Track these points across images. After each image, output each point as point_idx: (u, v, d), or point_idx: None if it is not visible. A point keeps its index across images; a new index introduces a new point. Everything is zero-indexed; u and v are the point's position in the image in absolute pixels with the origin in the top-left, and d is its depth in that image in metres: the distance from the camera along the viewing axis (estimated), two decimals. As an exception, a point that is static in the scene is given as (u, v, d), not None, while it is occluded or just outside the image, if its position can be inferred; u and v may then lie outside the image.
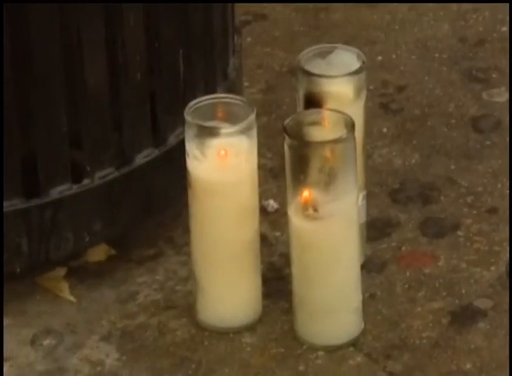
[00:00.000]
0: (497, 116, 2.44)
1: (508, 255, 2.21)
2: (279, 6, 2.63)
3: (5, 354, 2.11)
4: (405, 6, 2.63)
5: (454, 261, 2.22)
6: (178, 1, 2.15)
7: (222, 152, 2.06)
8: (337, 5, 2.62)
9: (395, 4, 2.62)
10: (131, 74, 2.14)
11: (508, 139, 2.38)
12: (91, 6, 2.06)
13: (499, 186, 2.32)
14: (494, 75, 2.49)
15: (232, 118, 2.07)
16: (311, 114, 2.07)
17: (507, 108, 2.45)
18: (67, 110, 2.10)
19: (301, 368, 2.07)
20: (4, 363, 2.10)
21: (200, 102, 2.09)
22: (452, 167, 2.36)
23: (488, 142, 2.39)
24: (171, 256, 2.25)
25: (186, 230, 2.14)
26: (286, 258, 2.12)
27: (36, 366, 2.09)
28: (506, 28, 2.56)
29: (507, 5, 2.57)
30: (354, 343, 2.10)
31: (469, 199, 2.31)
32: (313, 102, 2.10)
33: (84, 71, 2.09)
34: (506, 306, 2.14)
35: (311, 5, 2.62)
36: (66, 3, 2.03)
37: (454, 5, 2.61)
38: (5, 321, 2.15)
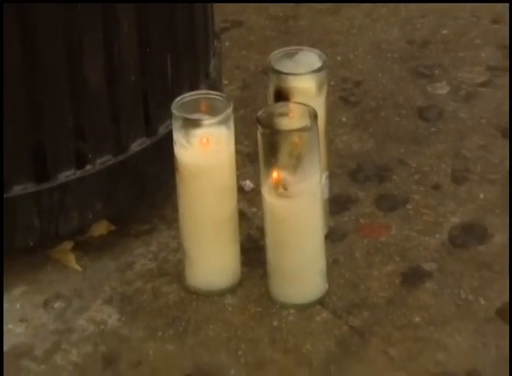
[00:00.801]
0: (440, 106, 2.44)
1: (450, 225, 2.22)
2: (253, 15, 2.64)
3: (22, 316, 2.11)
4: (362, 13, 2.63)
5: (405, 231, 2.22)
6: (166, 12, 2.13)
7: (204, 140, 2.05)
8: (304, 13, 2.63)
9: (354, 12, 2.62)
10: (126, 76, 2.13)
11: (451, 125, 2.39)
12: (91, 16, 2.03)
13: (443, 166, 2.32)
14: (437, 71, 2.49)
15: (212, 111, 2.07)
16: (281, 107, 2.07)
17: (449, 99, 2.45)
18: (72, 108, 2.10)
19: (276, 324, 2.06)
20: (20, 325, 2.09)
21: (185, 98, 2.08)
22: (403, 150, 2.36)
23: (433, 129, 2.39)
24: (163, 231, 2.24)
25: (175, 208, 2.13)
26: (262, 231, 2.11)
27: (48, 326, 2.09)
28: (447, 31, 2.57)
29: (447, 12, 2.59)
30: (320, 302, 2.09)
31: (417, 177, 2.31)
32: (282, 96, 2.08)
33: (86, 75, 2.07)
34: (450, 268, 2.14)
35: (281, 13, 2.64)
36: (69, 14, 2.01)
37: (403, 12, 2.63)
38: (21, 288, 2.15)
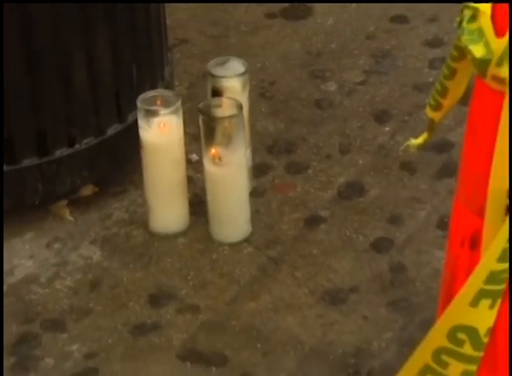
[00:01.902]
0: (330, 99, 2.42)
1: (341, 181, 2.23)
2: (196, 35, 2.60)
3: (30, 254, 2.09)
4: (273, 33, 2.61)
5: (306, 188, 2.21)
6: (132, 33, 2.11)
7: (161, 125, 2.04)
8: (233, 33, 2.61)
9: (267, 32, 2.61)
10: (103, 79, 2.10)
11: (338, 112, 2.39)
12: (76, 38, 2.02)
13: (333, 141, 2.31)
14: (327, 74, 2.47)
15: (166, 104, 2.06)
16: (216, 101, 2.08)
17: (336, 94, 2.43)
18: (65, 103, 2.07)
19: (214, 256, 2.07)
20: (29, 260, 2.08)
21: (147, 95, 2.08)
22: (304, 130, 2.34)
23: (325, 115, 2.38)
24: (132, 191, 2.21)
25: (141, 175, 2.11)
26: (204, 190, 2.11)
27: (49, 260, 2.08)
28: (334, 45, 2.55)
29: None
30: (246, 240, 2.10)
31: (314, 150, 2.29)
32: (217, 93, 2.09)
33: (74, 79, 2.05)
34: (338, 214, 2.14)
35: (216, 33, 2.61)
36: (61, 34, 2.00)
37: (303, 32, 2.60)
38: (30, 234, 2.13)
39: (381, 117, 2.36)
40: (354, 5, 2.66)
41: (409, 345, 1.82)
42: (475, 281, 1.35)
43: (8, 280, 2.03)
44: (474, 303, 1.36)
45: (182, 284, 2.01)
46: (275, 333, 1.91)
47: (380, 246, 2.07)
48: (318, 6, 2.67)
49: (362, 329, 1.91)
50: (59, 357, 1.89)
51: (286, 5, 2.69)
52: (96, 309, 1.97)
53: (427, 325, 1.53)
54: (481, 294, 1.35)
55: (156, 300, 1.99)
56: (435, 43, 2.53)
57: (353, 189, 2.20)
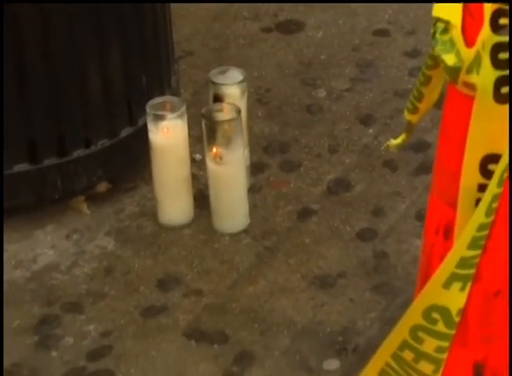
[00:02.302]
0: (320, 104, 2.41)
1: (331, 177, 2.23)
2: (200, 47, 2.59)
3: (51, 244, 2.08)
4: (269, 45, 2.60)
5: (298, 184, 2.21)
6: (143, 47, 2.12)
7: (167, 128, 2.04)
8: (232, 46, 2.60)
9: (263, 45, 2.60)
10: (117, 88, 2.10)
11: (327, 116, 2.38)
12: (90, 53, 2.02)
13: (322, 142, 2.30)
14: (318, 82, 2.47)
15: (173, 109, 2.06)
16: (217, 106, 2.07)
17: (326, 99, 2.42)
18: (82, 109, 2.07)
19: (216, 246, 2.07)
20: (51, 250, 2.07)
21: (156, 101, 2.07)
22: (297, 132, 2.33)
23: (315, 119, 2.37)
24: (143, 187, 2.20)
25: (151, 172, 2.11)
26: (207, 186, 2.11)
27: (69, 250, 2.08)
28: (324, 56, 2.55)
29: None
30: (245, 231, 2.09)
31: (306, 150, 2.29)
32: (218, 99, 2.09)
33: (91, 90, 2.06)
34: (327, 208, 2.14)
35: (217, 45, 2.60)
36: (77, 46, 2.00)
37: (295, 45, 2.59)
38: (51, 226, 2.12)
39: (366, 121, 2.36)
40: (341, 20, 2.66)
41: (390, 324, 1.76)
42: (448, 266, 1.36)
43: (32, 268, 2.03)
44: (447, 285, 1.36)
45: (187, 271, 2.01)
46: (271, 314, 1.92)
47: (364, 235, 2.08)
48: (309, 21, 2.66)
49: (348, 310, 1.92)
50: (77, 336, 1.90)
51: (281, 20, 2.67)
52: (110, 293, 1.98)
53: (407, 306, 1.51)
54: (453, 278, 1.36)
55: (164, 285, 1.99)
56: (414, 54, 2.53)
57: (340, 185, 2.20)
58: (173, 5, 2.32)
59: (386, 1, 2.66)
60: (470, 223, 1.34)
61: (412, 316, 1.40)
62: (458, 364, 1.43)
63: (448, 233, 1.41)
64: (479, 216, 1.33)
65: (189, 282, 1.99)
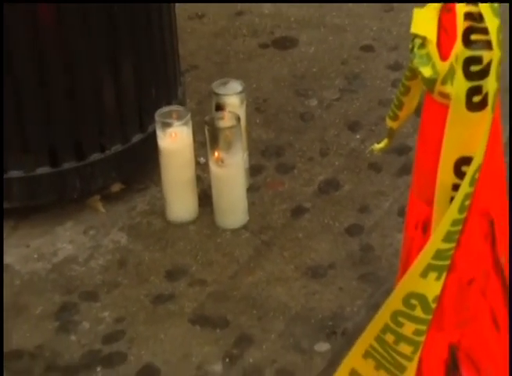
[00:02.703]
0: (312, 112, 2.40)
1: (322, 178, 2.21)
2: (203, 62, 2.59)
3: (70, 239, 2.08)
4: (266, 60, 2.60)
5: (292, 185, 2.20)
6: (153, 63, 2.11)
7: (174, 134, 2.04)
8: (233, 60, 2.59)
9: (261, 59, 2.59)
10: (128, 98, 2.09)
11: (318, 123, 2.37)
12: (101, 68, 2.02)
13: (314, 146, 2.29)
14: (310, 92, 2.46)
15: (179, 117, 2.05)
16: (219, 114, 2.07)
17: (317, 108, 2.41)
18: (99, 119, 2.07)
19: (218, 240, 2.06)
20: (69, 244, 2.07)
21: (163, 109, 2.07)
22: (291, 138, 2.33)
23: (308, 125, 2.37)
24: (152, 188, 2.19)
25: (159, 174, 2.10)
26: (210, 187, 2.10)
27: (86, 244, 2.07)
28: (315, 69, 2.54)
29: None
30: (244, 227, 2.08)
31: (299, 153, 2.28)
32: (219, 108, 2.08)
33: (106, 100, 2.05)
34: (318, 205, 2.13)
35: (219, 60, 2.59)
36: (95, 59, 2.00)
37: (289, 59, 2.59)
38: (70, 223, 2.11)
39: (353, 127, 2.35)
40: (331, 37, 2.65)
41: (375, 310, 1.75)
42: (424, 257, 1.36)
43: (52, 260, 2.03)
44: (424, 275, 1.36)
45: (192, 262, 2.01)
46: (268, 301, 1.92)
47: (352, 230, 2.07)
48: (302, 38, 2.66)
49: (337, 297, 1.91)
50: (93, 321, 1.90)
51: (277, 36, 2.67)
52: (123, 282, 1.98)
53: (390, 293, 1.51)
54: (429, 268, 1.36)
55: (171, 275, 1.99)
56: (396, 67, 2.52)
57: (330, 185, 2.19)
58: (179, 23, 2.32)
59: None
60: (444, 219, 1.34)
61: (393, 302, 1.40)
62: (435, 346, 1.43)
63: (426, 228, 1.41)
64: (453, 212, 1.33)
65: (194, 273, 1.99)
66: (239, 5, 2.78)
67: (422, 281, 1.36)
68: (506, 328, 1.42)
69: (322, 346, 1.82)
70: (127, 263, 2.02)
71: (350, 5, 2.75)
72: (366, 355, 1.46)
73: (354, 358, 1.48)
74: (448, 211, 1.34)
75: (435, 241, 1.35)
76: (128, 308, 1.92)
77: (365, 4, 2.75)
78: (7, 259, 2.03)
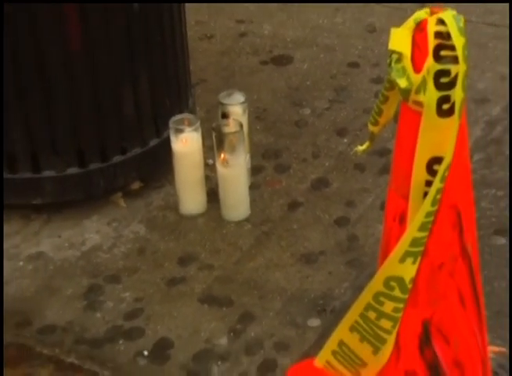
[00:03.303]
0: (305, 120, 2.39)
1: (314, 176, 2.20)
2: (211, 76, 2.58)
3: (96, 230, 2.07)
4: (265, 74, 2.58)
5: (289, 182, 2.19)
6: (168, 79, 2.10)
7: (185, 139, 2.03)
8: (237, 74, 2.58)
9: (261, 74, 2.58)
10: (145, 108, 2.08)
11: (311, 129, 2.36)
12: (120, 82, 2.01)
13: (307, 150, 2.28)
14: (304, 103, 2.45)
15: (190, 124, 2.04)
16: (224, 121, 2.06)
17: (310, 116, 2.40)
18: (120, 126, 2.05)
19: (224, 231, 2.06)
20: (96, 234, 2.06)
21: (176, 117, 2.06)
22: (288, 142, 2.32)
23: (302, 131, 2.35)
24: (167, 186, 2.18)
25: (173, 174, 2.09)
26: (217, 185, 2.08)
27: (110, 234, 2.07)
28: (309, 82, 2.53)
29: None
30: (246, 219, 2.08)
31: (294, 156, 2.27)
32: (225, 116, 2.08)
33: (126, 110, 2.03)
34: (311, 200, 2.12)
35: (225, 74, 2.58)
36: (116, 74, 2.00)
37: (285, 74, 2.57)
38: (96, 216, 2.10)
39: (341, 132, 2.34)
40: (322, 55, 2.64)
41: (360, 291, 1.73)
42: (403, 245, 1.35)
43: (81, 248, 2.03)
44: (402, 260, 1.35)
45: (201, 250, 2.00)
46: (267, 283, 1.91)
47: (340, 222, 2.06)
48: (297, 56, 2.64)
49: (327, 280, 1.91)
50: (116, 301, 1.89)
51: (275, 54, 2.65)
52: (142, 267, 1.97)
53: (372, 277, 1.49)
54: (407, 254, 1.35)
55: (183, 261, 1.98)
56: (378, 81, 2.51)
57: (321, 183, 2.19)
58: (191, 43, 2.31)
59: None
60: (420, 211, 1.33)
61: (375, 285, 1.39)
62: (410, 321, 1.42)
63: (402, 219, 1.40)
64: (427, 205, 1.32)
65: (202, 259, 1.98)
66: (243, 28, 2.78)
67: (400, 266, 1.35)
68: (471, 306, 1.42)
69: (314, 322, 1.82)
70: (145, 251, 2.01)
71: (339, 27, 2.75)
72: (352, 329, 1.45)
73: (341, 331, 1.47)
74: (423, 205, 1.33)
75: (411, 230, 1.34)
76: (146, 289, 1.92)
77: (352, 26, 2.74)
78: (42, 248, 2.03)
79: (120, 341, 1.81)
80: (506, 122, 2.29)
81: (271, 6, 2.83)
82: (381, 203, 2.08)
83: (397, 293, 1.37)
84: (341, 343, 1.48)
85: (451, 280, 1.40)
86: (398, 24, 1.32)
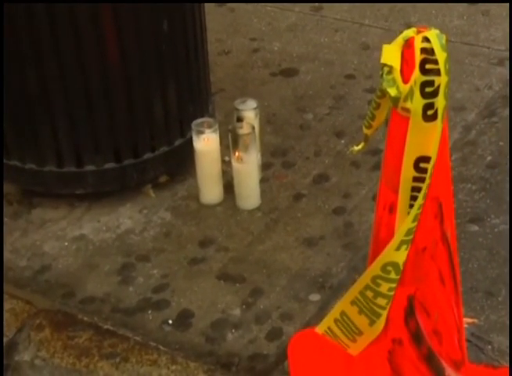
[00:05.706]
0: (308, 123, 2.37)
1: (314, 172, 2.18)
2: (229, 86, 2.56)
3: (129, 216, 2.05)
4: (274, 84, 2.56)
5: (294, 177, 2.17)
6: (191, 88, 2.08)
7: (206, 139, 2.02)
8: (251, 85, 2.55)
9: (271, 85, 2.55)
10: (173, 113, 2.06)
11: (313, 132, 2.34)
12: (147, 89, 2.00)
13: (310, 149, 2.27)
14: (307, 109, 2.43)
15: (210, 126, 2.03)
16: (239, 124, 2.04)
17: (312, 121, 2.38)
18: (150, 128, 2.04)
19: (238, 218, 2.04)
20: (128, 219, 2.05)
21: (198, 121, 2.04)
22: (293, 142, 2.30)
23: (306, 133, 2.34)
24: (190, 179, 2.16)
25: (195, 169, 2.08)
26: (232, 178, 2.06)
27: (140, 220, 2.06)
28: (312, 92, 2.51)
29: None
30: (257, 208, 2.06)
31: (299, 154, 2.26)
32: (239, 120, 2.06)
33: (155, 114, 2.01)
34: (312, 193, 2.10)
35: (240, 85, 2.56)
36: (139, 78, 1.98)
37: (291, 84, 2.55)
38: (128, 204, 2.09)
39: (339, 135, 2.32)
40: (323, 68, 2.62)
41: (354, 271, 1.82)
42: (399, 235, 1.34)
43: (116, 231, 2.02)
44: (398, 248, 1.35)
45: (218, 235, 2.00)
46: (274, 263, 1.90)
47: (338, 211, 2.05)
48: (302, 68, 2.62)
49: (326, 261, 1.90)
50: (146, 277, 1.89)
51: (283, 68, 2.63)
52: (168, 248, 1.97)
53: (366, 258, 1.51)
54: (402, 243, 1.34)
55: (203, 244, 1.98)
56: (371, 90, 2.48)
57: (322, 178, 2.17)
58: (211, 58, 2.29)
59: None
60: (415, 205, 1.32)
61: (374, 270, 1.39)
62: (398, 297, 1.41)
63: (391, 209, 1.39)
64: (420, 199, 1.32)
65: (219, 242, 1.97)
66: (256, 44, 2.76)
67: (396, 253, 1.34)
68: (449, 283, 1.41)
69: (315, 297, 1.81)
70: (170, 234, 2.01)
71: (337, 45, 2.73)
72: (353, 303, 1.45)
73: (344, 303, 1.47)
74: (418, 199, 1.32)
75: (408, 222, 1.33)
76: (171, 267, 1.91)
77: (348, 44, 2.72)
78: (84, 231, 2.03)
79: (149, 311, 1.81)
80: (480, 127, 2.29)
81: (280, 27, 2.82)
82: (373, 195, 2.07)
83: (392, 275, 1.37)
84: (343, 313, 1.48)
85: (432, 261, 1.39)
86: (389, 42, 1.32)
